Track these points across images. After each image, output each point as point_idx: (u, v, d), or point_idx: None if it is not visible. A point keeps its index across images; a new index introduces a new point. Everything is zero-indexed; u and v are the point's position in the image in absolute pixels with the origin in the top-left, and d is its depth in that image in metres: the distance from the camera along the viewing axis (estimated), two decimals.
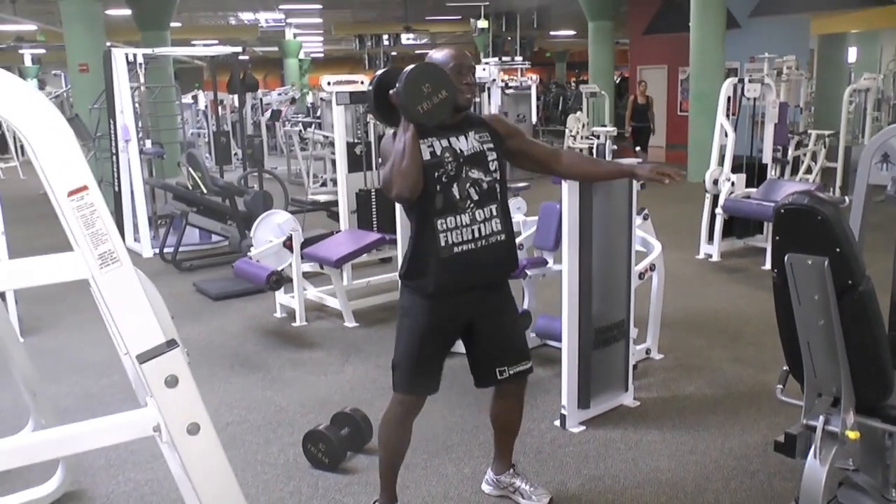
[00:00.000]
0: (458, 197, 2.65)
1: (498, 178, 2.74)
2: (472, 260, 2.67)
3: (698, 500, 3.09)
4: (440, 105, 2.48)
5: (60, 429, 1.61)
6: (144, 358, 1.44)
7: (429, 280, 2.67)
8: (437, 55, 2.73)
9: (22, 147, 17.40)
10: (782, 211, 2.24)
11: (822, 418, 2.42)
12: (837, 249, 2.17)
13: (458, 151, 2.66)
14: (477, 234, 2.67)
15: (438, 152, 2.64)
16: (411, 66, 2.49)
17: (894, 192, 2.95)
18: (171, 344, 1.48)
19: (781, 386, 2.68)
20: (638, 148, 8.51)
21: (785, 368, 2.63)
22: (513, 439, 3.11)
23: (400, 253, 4.67)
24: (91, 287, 1.99)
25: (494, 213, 2.71)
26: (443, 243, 2.63)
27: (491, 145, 2.75)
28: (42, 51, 25.25)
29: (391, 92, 2.55)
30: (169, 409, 1.48)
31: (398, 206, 5.07)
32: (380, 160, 2.77)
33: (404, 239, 4.97)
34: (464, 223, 2.65)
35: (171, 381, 1.46)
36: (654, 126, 13.95)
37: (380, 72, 2.68)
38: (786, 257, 2.26)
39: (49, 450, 1.62)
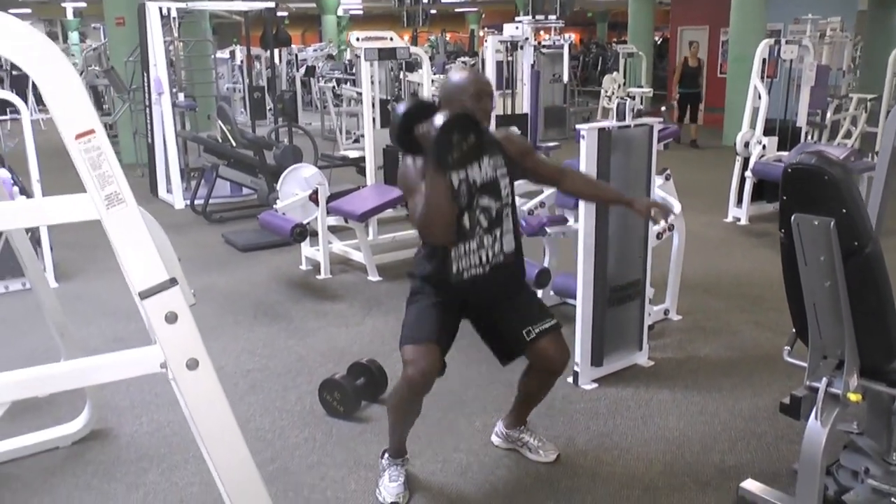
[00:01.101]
0: (468, 226, 2.72)
1: (508, 202, 2.81)
2: (481, 282, 2.78)
3: (703, 459, 3.12)
4: (469, 151, 2.52)
5: (76, 361, 1.69)
6: (146, 294, 1.51)
7: (440, 291, 2.80)
8: (456, 78, 2.75)
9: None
10: (789, 171, 2.23)
11: (824, 380, 2.44)
12: (844, 210, 2.16)
13: (473, 182, 2.71)
14: (485, 259, 2.76)
15: (456, 185, 2.67)
16: (443, 118, 2.47)
17: None
18: (172, 282, 1.54)
19: (789, 348, 2.68)
20: (664, 108, 8.25)
21: (793, 330, 2.64)
22: (534, 405, 3.16)
23: None
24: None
25: (500, 236, 2.79)
26: (454, 269, 2.74)
27: (504, 170, 2.79)
28: (83, 4, 25.44)
29: (418, 130, 2.55)
30: (169, 344, 1.55)
31: None
32: (402, 188, 2.79)
33: None
34: (472, 249, 2.74)
35: (171, 317, 1.53)
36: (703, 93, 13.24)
37: (409, 102, 2.66)
38: (792, 217, 2.26)
39: (64, 380, 1.70)
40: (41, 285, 3.21)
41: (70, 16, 27.80)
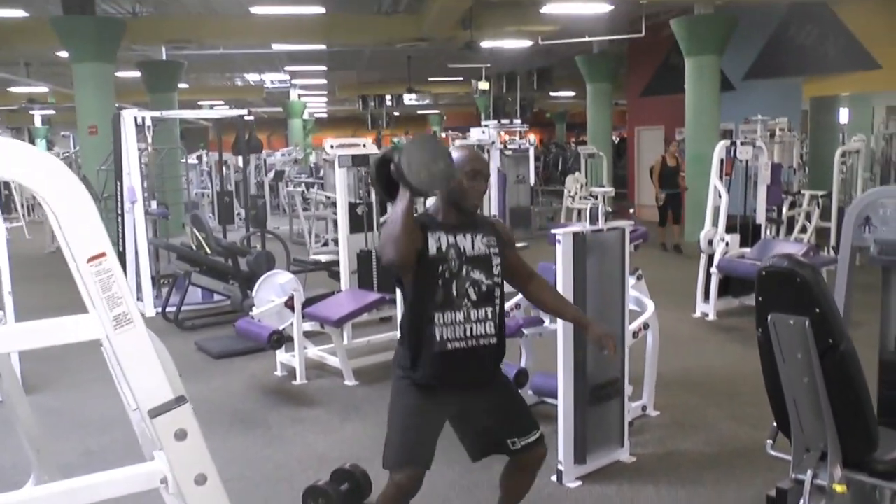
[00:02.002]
0: (455, 294, 2.73)
1: (499, 282, 2.83)
2: (462, 358, 2.75)
3: None
4: (437, 175, 2.56)
5: (73, 480, 1.68)
6: (155, 413, 1.53)
7: (420, 373, 2.76)
8: (456, 154, 2.80)
9: (30, 207, 17.69)
10: (763, 273, 2.35)
11: (810, 472, 2.49)
12: (817, 310, 2.26)
13: (462, 250, 2.76)
14: (469, 333, 2.76)
15: (444, 248, 2.73)
16: (411, 138, 2.59)
17: (877, 255, 3.04)
18: (180, 400, 1.56)
19: (771, 441, 2.75)
20: (632, 210, 8.28)
21: (774, 424, 2.70)
22: (518, 502, 3.16)
23: (399, 312, 4.75)
24: (103, 347, 2.09)
25: (490, 315, 2.79)
26: (437, 338, 2.72)
27: (497, 250, 2.84)
28: (52, 112, 25.73)
29: (392, 165, 2.62)
30: (178, 460, 1.56)
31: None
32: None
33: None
34: (458, 320, 2.73)
35: (181, 435, 1.54)
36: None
37: (384, 149, 2.77)
38: (769, 317, 2.36)
39: (61, 501, 1.69)
40: (17, 398, 3.15)
41: (38, 123, 28.03)
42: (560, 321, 3.67)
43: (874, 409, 2.51)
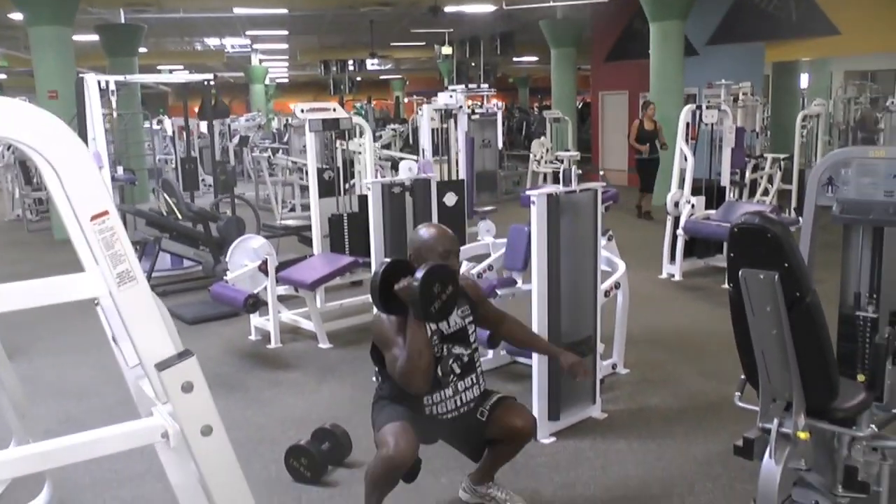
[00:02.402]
0: (441, 374, 2.87)
1: (475, 347, 3.00)
2: (450, 422, 2.96)
3: (664, 503, 3.26)
4: (448, 301, 2.70)
5: (76, 436, 1.73)
6: (163, 366, 1.58)
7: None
8: (425, 234, 2.94)
9: None
10: (736, 230, 2.45)
11: (776, 421, 2.62)
12: (786, 265, 2.37)
13: (443, 333, 2.90)
14: (460, 403, 2.95)
15: (428, 335, 2.82)
16: (424, 270, 2.65)
17: (839, 213, 3.17)
18: (185, 354, 1.62)
19: (739, 393, 2.88)
20: (602, 172, 8.27)
21: (742, 377, 2.83)
22: (503, 464, 3.26)
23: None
24: (99, 305, 2.12)
25: (474, 381, 2.97)
26: (427, 413, 2.92)
27: (471, 318, 3.00)
28: (3, 76, 25.05)
29: (397, 287, 2.71)
30: (185, 412, 1.61)
31: (372, 236, 5.24)
32: (378, 342, 2.92)
33: (376, 261, 5.12)
34: (447, 396, 2.92)
35: (188, 387, 1.60)
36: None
37: (385, 262, 2.82)
38: (740, 272, 2.47)
39: (64, 455, 1.73)
40: (0, 362, 3.17)
41: None
42: (534, 283, 3.76)
43: (836, 361, 2.64)
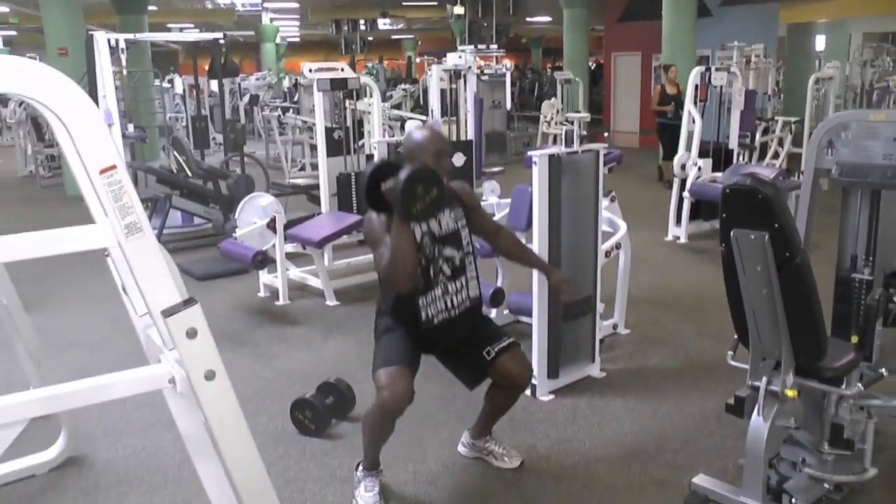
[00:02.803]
0: (431, 274, 2.93)
1: (469, 251, 3.04)
2: (448, 326, 3.00)
3: (658, 458, 3.36)
4: (432, 204, 2.72)
5: (88, 380, 1.83)
6: (169, 313, 1.66)
7: (411, 331, 2.98)
8: (418, 135, 2.95)
9: None
10: (728, 191, 2.51)
11: (764, 379, 2.70)
12: (776, 225, 2.43)
13: (434, 234, 2.93)
14: (450, 304, 2.99)
15: (419, 237, 2.88)
16: (407, 171, 2.66)
17: (837, 176, 3.21)
18: (189, 301, 1.70)
19: (732, 352, 2.96)
20: (607, 134, 8.08)
21: (735, 336, 2.90)
22: (499, 417, 3.35)
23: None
24: (109, 256, 2.20)
25: (464, 284, 3.01)
26: (423, 317, 2.95)
27: (464, 221, 3.03)
28: (13, 33, 25.00)
29: (384, 186, 2.74)
30: (189, 357, 1.70)
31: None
32: (368, 240, 2.98)
33: None
34: (438, 295, 2.96)
35: (192, 333, 1.68)
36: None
37: (376, 162, 2.85)
38: (732, 232, 2.52)
39: (77, 398, 1.83)
40: (17, 311, 3.27)
41: None
42: (535, 242, 3.83)
43: (825, 321, 2.71)
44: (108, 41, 7.78)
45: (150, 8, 16.08)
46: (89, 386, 1.86)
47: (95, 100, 7.91)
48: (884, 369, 2.90)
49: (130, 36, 8.22)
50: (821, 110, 11.06)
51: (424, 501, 3.11)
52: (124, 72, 8.82)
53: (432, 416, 3.80)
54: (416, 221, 2.80)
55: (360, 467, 3.13)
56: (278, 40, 28.71)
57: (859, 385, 2.75)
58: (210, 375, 1.72)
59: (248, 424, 3.74)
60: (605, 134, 7.16)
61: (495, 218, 5.09)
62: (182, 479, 3.26)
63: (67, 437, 3.43)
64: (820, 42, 18.02)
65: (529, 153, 3.88)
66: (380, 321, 3.10)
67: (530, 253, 3.48)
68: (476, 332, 3.11)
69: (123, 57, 8.08)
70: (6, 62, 1.56)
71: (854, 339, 2.94)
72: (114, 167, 1.64)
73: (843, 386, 2.75)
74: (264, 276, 5.89)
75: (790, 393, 2.66)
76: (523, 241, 4.91)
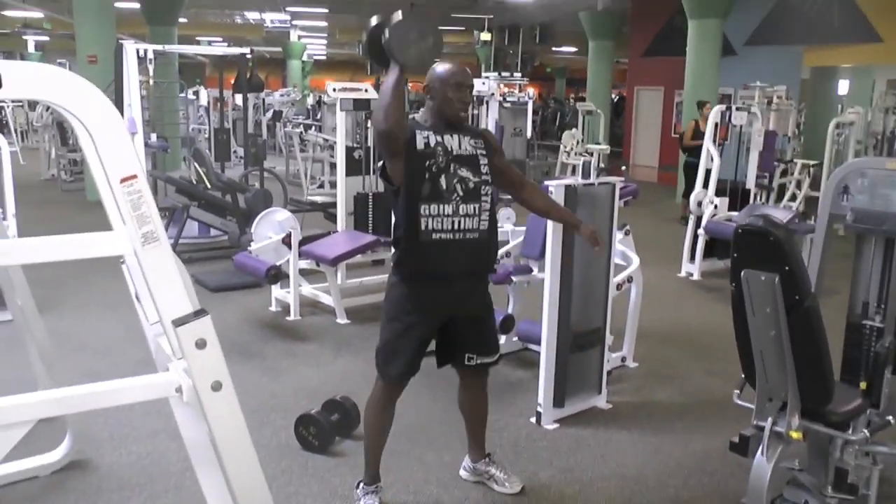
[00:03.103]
0: (444, 188, 2.87)
1: (488, 181, 2.96)
2: (447, 249, 2.89)
3: (659, 493, 3.35)
4: (426, 51, 2.66)
5: (96, 384, 1.85)
6: (179, 322, 1.69)
7: (407, 263, 2.94)
8: (440, 69, 2.94)
9: (23, 133, 17.67)
10: (739, 231, 2.51)
11: (770, 420, 2.69)
12: (787, 267, 2.43)
13: (449, 148, 2.90)
14: (456, 227, 2.89)
15: (432, 144, 2.87)
16: (399, 14, 2.63)
17: (852, 222, 3.21)
18: (200, 312, 1.72)
19: (738, 391, 2.95)
20: (624, 167, 8.05)
21: (742, 375, 2.89)
22: (482, 429, 3.35)
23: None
24: (124, 264, 2.24)
25: (478, 212, 2.92)
26: (423, 227, 2.85)
27: (484, 152, 2.99)
28: (46, 38, 25.41)
29: (382, 39, 2.70)
30: (197, 368, 1.73)
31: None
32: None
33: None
34: (446, 213, 2.87)
35: (201, 343, 1.71)
36: None
37: (377, 17, 2.76)
38: (742, 272, 2.53)
39: (84, 402, 1.85)
40: (31, 313, 3.31)
41: (31, 49, 27.69)
42: (547, 271, 3.84)
43: (833, 366, 2.70)
44: (137, 51, 7.93)
45: (181, 20, 16.33)
46: (97, 390, 1.88)
47: (121, 108, 8.04)
48: (891, 417, 2.88)
49: (159, 47, 8.35)
50: (841, 155, 11.03)
51: None
52: (151, 81, 8.94)
53: (435, 439, 3.80)
54: (409, 65, 2.69)
55: (361, 485, 3.15)
56: (305, 58, 29.01)
57: (865, 431, 2.73)
58: (217, 387, 1.74)
59: (252, 437, 3.76)
60: (623, 167, 7.16)
61: (510, 245, 5.11)
62: (183, 489, 3.27)
63: (72, 441, 3.45)
64: (843, 86, 18.02)
65: (546, 182, 3.90)
66: (390, 292, 3.05)
67: (558, 205, 3.47)
68: (479, 325, 3.08)
69: (151, 67, 8.21)
70: (35, 70, 1.61)
71: (862, 385, 2.93)
72: (134, 176, 1.67)
73: (850, 431, 2.74)
74: (277, 291, 5.93)
75: (795, 434, 2.65)
76: (535, 268, 4.96)
